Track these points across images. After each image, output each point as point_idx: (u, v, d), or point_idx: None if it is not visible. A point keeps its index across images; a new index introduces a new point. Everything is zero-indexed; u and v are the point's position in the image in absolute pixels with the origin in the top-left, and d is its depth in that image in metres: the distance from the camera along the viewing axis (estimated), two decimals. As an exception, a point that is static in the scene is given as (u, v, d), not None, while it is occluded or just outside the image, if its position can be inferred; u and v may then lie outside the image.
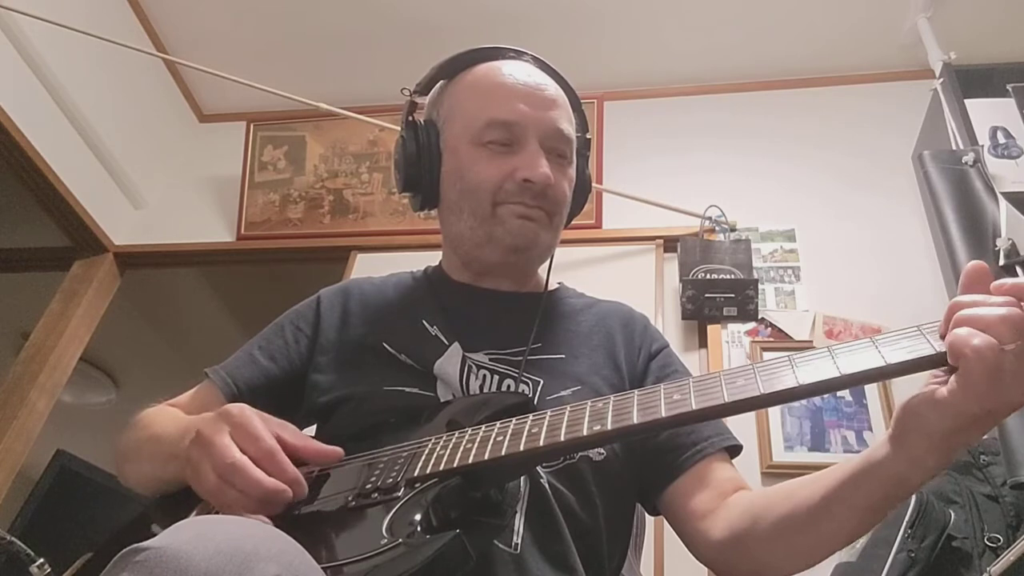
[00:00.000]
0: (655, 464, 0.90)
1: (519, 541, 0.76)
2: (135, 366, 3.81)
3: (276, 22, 2.76)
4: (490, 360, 0.92)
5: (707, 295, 2.14)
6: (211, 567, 0.48)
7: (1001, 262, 1.77)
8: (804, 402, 1.96)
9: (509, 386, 0.90)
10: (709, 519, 0.83)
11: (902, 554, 1.39)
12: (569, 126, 1.01)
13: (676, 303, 2.20)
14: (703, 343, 2.15)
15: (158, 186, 2.90)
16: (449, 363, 0.90)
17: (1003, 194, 1.87)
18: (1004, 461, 1.50)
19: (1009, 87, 2.15)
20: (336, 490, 0.74)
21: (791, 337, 2.10)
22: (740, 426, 0.95)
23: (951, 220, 1.90)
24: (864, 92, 2.61)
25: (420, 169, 1.00)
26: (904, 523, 1.41)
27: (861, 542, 1.43)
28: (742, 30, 2.62)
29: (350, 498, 0.72)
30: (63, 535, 2.54)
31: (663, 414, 0.64)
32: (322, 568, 0.58)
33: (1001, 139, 2.05)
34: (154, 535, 0.51)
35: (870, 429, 1.91)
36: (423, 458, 0.73)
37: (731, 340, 2.12)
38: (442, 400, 0.89)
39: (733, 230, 2.32)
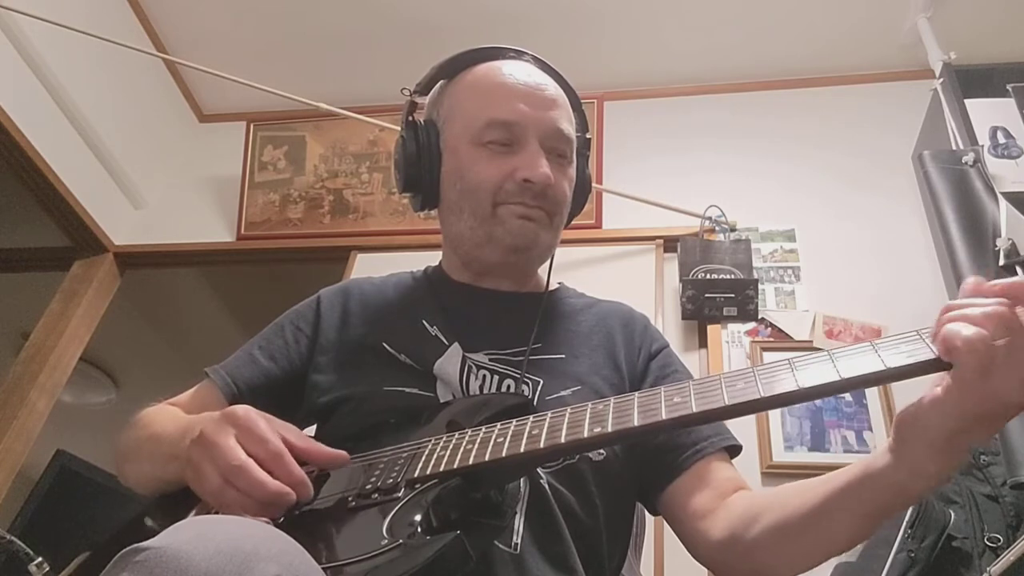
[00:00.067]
0: (655, 463, 0.90)
1: (519, 541, 0.76)
2: (135, 366, 3.81)
3: (276, 22, 2.76)
4: (490, 360, 0.92)
5: (707, 295, 2.14)
6: (211, 567, 0.48)
7: (1001, 262, 1.77)
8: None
9: (509, 386, 0.90)
10: (708, 519, 0.83)
11: (902, 554, 1.39)
12: (569, 126, 1.01)
13: (676, 303, 2.20)
14: (703, 343, 2.15)
15: (158, 186, 2.90)
16: (449, 363, 0.90)
17: (1003, 194, 1.87)
18: (1004, 461, 1.50)
19: (1009, 87, 2.15)
20: (336, 490, 0.74)
21: (791, 337, 2.10)
22: (740, 426, 0.95)
23: (951, 220, 1.90)
24: (864, 92, 2.61)
25: (420, 169, 1.00)
26: (904, 523, 1.41)
27: (861, 542, 1.43)
28: (742, 30, 2.62)
29: (350, 498, 0.72)
30: (63, 535, 2.54)
31: (663, 416, 0.64)
32: (322, 568, 0.58)
33: (1001, 139, 2.05)
34: (153, 535, 0.51)
35: (870, 429, 1.91)
36: (423, 459, 0.73)
37: (731, 340, 2.12)
38: (442, 400, 0.89)
39: (733, 230, 2.32)
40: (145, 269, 2.87)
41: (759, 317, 2.14)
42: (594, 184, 1.32)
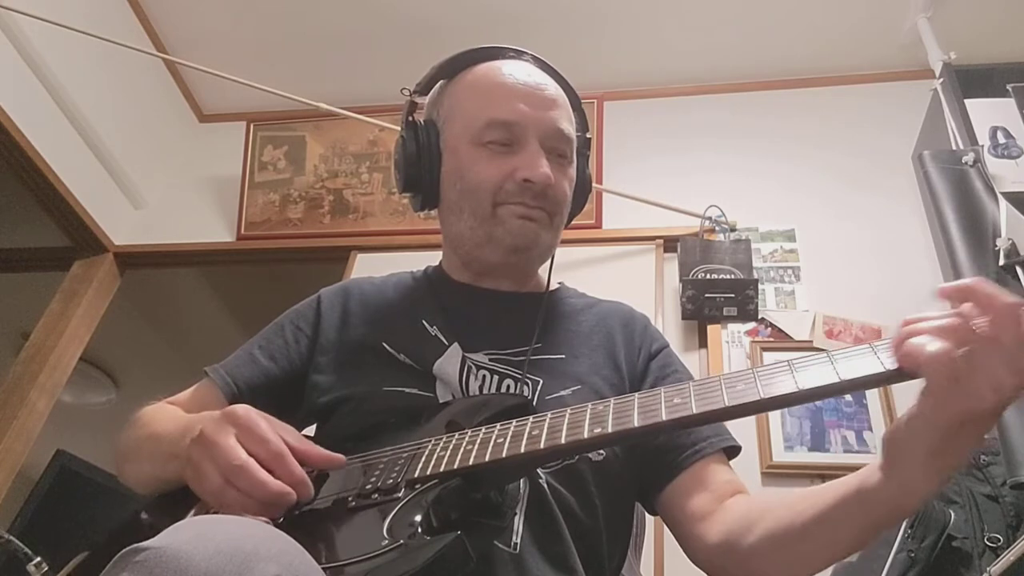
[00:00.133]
0: (654, 463, 0.90)
1: (518, 541, 0.76)
2: (135, 366, 3.81)
3: (276, 22, 2.76)
4: (490, 360, 0.92)
5: (707, 295, 2.14)
6: (211, 567, 0.48)
7: (1001, 262, 1.76)
8: (804, 402, 1.96)
9: (509, 386, 0.90)
10: (705, 522, 0.83)
11: (902, 554, 1.39)
12: (569, 126, 1.01)
13: (676, 303, 2.20)
14: (703, 343, 2.15)
15: (158, 186, 2.90)
16: (449, 363, 0.90)
17: (1003, 194, 1.87)
18: (1004, 461, 1.50)
19: (1009, 87, 2.15)
20: (336, 490, 0.74)
21: (791, 337, 2.10)
22: (740, 426, 0.95)
23: (951, 220, 1.90)
24: (864, 92, 2.61)
25: (420, 169, 1.00)
26: (904, 523, 1.41)
27: (861, 542, 1.43)
28: (742, 30, 2.62)
29: (350, 499, 0.72)
30: (63, 535, 2.53)
31: (663, 417, 0.64)
32: (322, 568, 0.58)
33: (1001, 139, 2.05)
34: (152, 535, 0.51)
35: (870, 429, 1.91)
36: (423, 459, 0.73)
37: (731, 340, 2.12)
38: (441, 400, 0.88)
39: (733, 230, 2.32)
40: (145, 269, 2.87)
41: (759, 317, 2.14)
42: (594, 184, 1.32)
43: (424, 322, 0.97)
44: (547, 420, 0.70)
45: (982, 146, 2.00)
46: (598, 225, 2.44)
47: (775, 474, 1.87)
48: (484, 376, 0.90)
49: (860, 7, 2.51)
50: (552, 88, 1.01)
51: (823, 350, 0.63)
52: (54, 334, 2.51)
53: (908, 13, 2.47)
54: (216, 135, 3.03)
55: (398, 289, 1.07)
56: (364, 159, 2.74)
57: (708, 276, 2.19)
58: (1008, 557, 1.28)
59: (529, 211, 0.95)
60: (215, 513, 0.72)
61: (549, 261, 1.04)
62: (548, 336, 0.97)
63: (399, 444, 0.78)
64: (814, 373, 0.61)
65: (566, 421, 0.69)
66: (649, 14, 2.61)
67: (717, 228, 2.33)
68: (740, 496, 0.86)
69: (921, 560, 1.37)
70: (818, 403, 1.95)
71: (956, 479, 1.51)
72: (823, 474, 1.85)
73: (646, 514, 1.00)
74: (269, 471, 0.70)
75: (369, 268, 2.39)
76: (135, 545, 0.50)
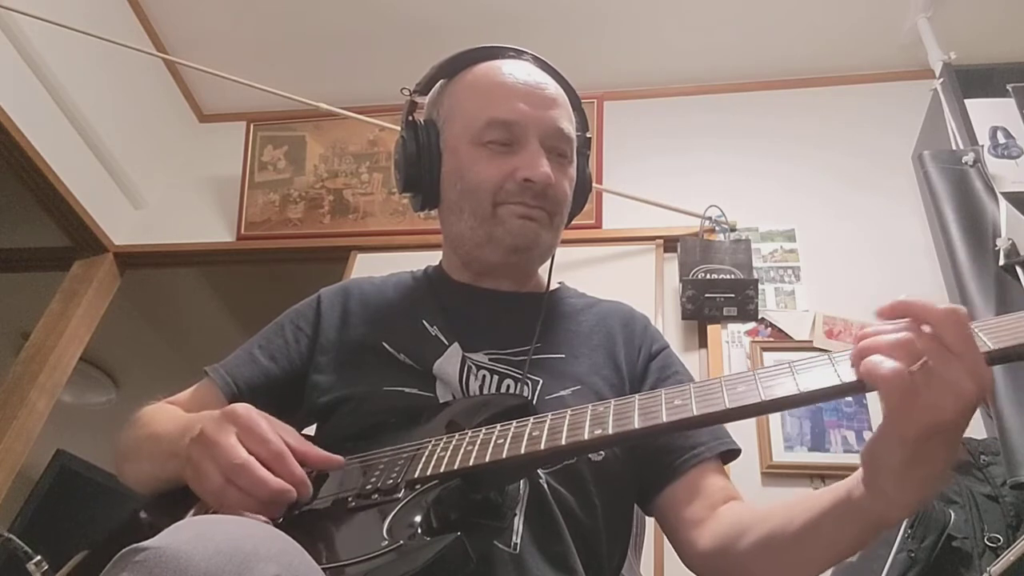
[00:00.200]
0: (652, 465, 0.90)
1: (518, 541, 0.76)
2: (135, 366, 3.81)
3: (276, 22, 2.76)
4: (490, 360, 0.92)
5: (707, 295, 2.14)
6: (211, 567, 0.48)
7: (1001, 262, 1.77)
8: (804, 402, 1.96)
9: (509, 386, 0.90)
10: (698, 529, 0.84)
11: (902, 554, 1.39)
12: (569, 125, 1.01)
13: (676, 303, 2.20)
14: (703, 343, 2.15)
15: (158, 186, 2.90)
16: (449, 363, 0.90)
17: (1003, 194, 1.87)
18: (1004, 461, 1.50)
19: (1009, 87, 2.15)
20: (336, 491, 0.74)
21: (791, 337, 2.10)
22: (740, 426, 0.94)
23: (951, 220, 1.90)
24: (864, 92, 2.61)
25: (420, 169, 1.00)
26: (904, 523, 1.41)
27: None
28: (742, 30, 2.62)
29: (350, 499, 0.72)
30: (63, 535, 2.53)
31: (664, 419, 0.64)
32: (322, 569, 0.58)
33: (1001, 139, 2.05)
34: (152, 534, 0.51)
35: (870, 429, 1.91)
36: (423, 460, 0.73)
37: (731, 340, 2.12)
38: (441, 400, 0.88)
39: (733, 230, 2.32)
40: (145, 269, 2.86)
41: (759, 317, 2.14)
42: (594, 184, 1.32)
43: (424, 322, 0.97)
44: (547, 421, 0.70)
45: (982, 146, 2.00)
46: (598, 225, 2.44)
47: (775, 474, 1.87)
48: (484, 376, 0.90)
49: (860, 7, 2.51)
50: (552, 87, 1.00)
51: (824, 350, 0.63)
52: (54, 334, 2.51)
53: (908, 13, 2.47)
54: (216, 135, 3.03)
55: (398, 289, 1.07)
56: (364, 159, 2.74)
57: (708, 276, 2.19)
58: (1008, 557, 1.28)
59: (529, 211, 0.95)
60: (215, 513, 0.72)
61: (549, 261, 1.04)
62: (548, 336, 0.97)
63: (399, 444, 0.78)
64: (815, 375, 0.61)
65: (566, 422, 0.69)
66: (649, 14, 2.61)
67: (717, 228, 2.33)
68: (734, 503, 0.86)
69: (921, 560, 1.37)
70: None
71: (956, 479, 1.51)
72: (823, 474, 1.85)
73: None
74: (269, 470, 0.70)
75: (369, 268, 2.39)
76: (135, 545, 0.50)
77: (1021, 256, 1.74)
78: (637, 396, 0.68)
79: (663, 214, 2.38)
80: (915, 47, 2.45)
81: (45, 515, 2.56)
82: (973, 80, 2.17)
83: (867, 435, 1.90)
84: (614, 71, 2.74)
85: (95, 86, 2.60)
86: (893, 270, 2.18)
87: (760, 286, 2.18)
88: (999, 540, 1.39)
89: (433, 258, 1.12)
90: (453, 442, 0.74)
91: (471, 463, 0.69)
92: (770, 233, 2.33)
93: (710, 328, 2.14)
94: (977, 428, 1.71)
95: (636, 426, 0.65)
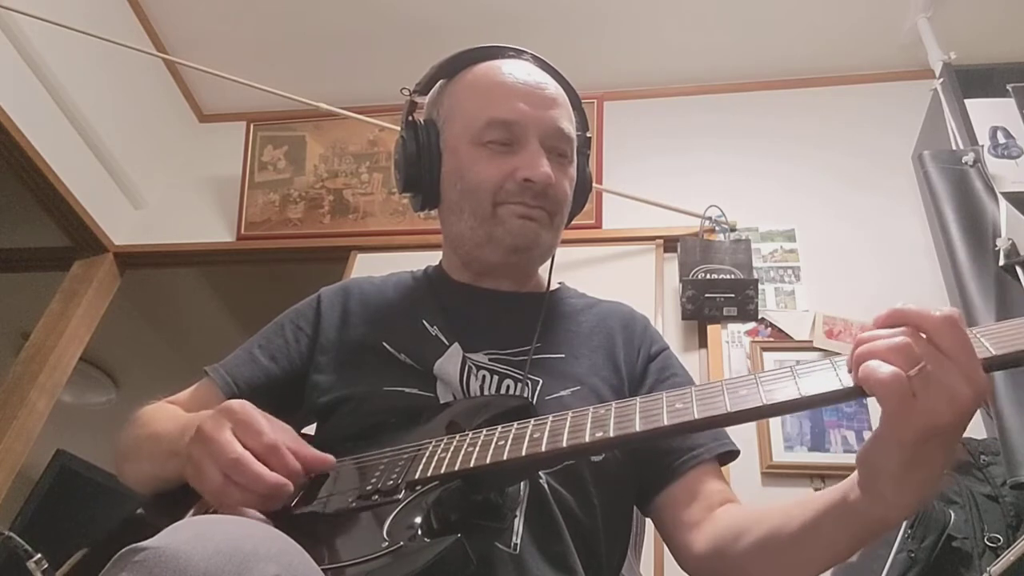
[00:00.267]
0: (651, 466, 0.90)
1: (518, 541, 0.76)
2: (135, 366, 3.81)
3: (276, 22, 2.76)
4: (490, 360, 0.92)
5: (707, 295, 2.14)
6: (210, 567, 0.48)
7: (1001, 262, 1.77)
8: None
9: (508, 387, 0.89)
10: (695, 531, 0.84)
11: (902, 554, 1.39)
12: (569, 125, 1.00)
13: (676, 303, 2.20)
14: (703, 343, 2.15)
15: (158, 186, 2.90)
16: (449, 363, 0.90)
17: (1003, 194, 1.87)
18: (1004, 461, 1.50)
19: (1009, 87, 2.15)
20: (336, 491, 0.74)
21: (791, 337, 2.10)
22: (740, 426, 0.95)
23: (951, 220, 1.90)
24: (864, 92, 2.61)
25: (420, 169, 1.00)
26: (904, 523, 1.41)
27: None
28: (742, 30, 2.62)
29: (351, 500, 0.72)
30: (63, 535, 2.53)
31: (665, 422, 0.64)
32: (322, 570, 0.58)
33: (1001, 139, 2.05)
34: (151, 534, 0.51)
35: (869, 429, 1.91)
36: (424, 461, 0.73)
37: (731, 340, 2.12)
38: (442, 400, 0.88)
39: (733, 230, 2.32)
40: (145, 269, 2.87)
41: (759, 317, 2.14)
42: (594, 184, 1.32)
43: (424, 322, 0.96)
44: (548, 423, 0.70)
45: (982, 146, 2.00)
46: (598, 225, 2.44)
47: (775, 474, 1.87)
48: (484, 376, 0.90)
49: (860, 7, 2.51)
50: (552, 87, 1.00)
51: (824, 350, 0.63)
52: (54, 334, 2.51)
53: (908, 13, 2.47)
54: (216, 135, 3.03)
55: (398, 289, 1.07)
56: (364, 159, 2.74)
57: (708, 276, 2.19)
58: (1008, 557, 1.28)
59: (529, 211, 0.95)
60: (215, 511, 0.72)
61: (549, 261, 1.04)
62: (548, 336, 0.97)
63: (399, 444, 0.78)
64: (817, 379, 0.60)
65: (568, 424, 0.69)
66: (649, 14, 2.61)
67: (717, 228, 2.33)
68: (730, 505, 0.86)
69: (921, 560, 1.37)
70: (818, 404, 1.95)
71: (956, 479, 1.51)
72: (823, 474, 1.85)
73: (645, 514, 1.00)
74: (265, 464, 0.70)
75: (369, 268, 2.39)
76: (134, 545, 0.50)
77: (1021, 256, 1.74)
78: (638, 399, 0.68)
79: (663, 214, 2.38)
80: (915, 47, 2.45)
81: (45, 515, 2.56)
82: (973, 80, 2.17)
83: (867, 435, 1.89)
84: (614, 71, 2.74)
85: (95, 86, 2.60)
86: (893, 270, 2.18)
87: (760, 286, 2.18)
88: (999, 540, 1.39)
89: (433, 258, 1.12)
90: (454, 443, 0.73)
91: (472, 464, 0.69)
92: (770, 233, 2.33)
93: (710, 328, 2.14)
94: (977, 428, 1.71)
95: (637, 429, 0.65)
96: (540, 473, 0.81)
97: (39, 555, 0.90)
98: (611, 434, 0.65)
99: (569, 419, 0.69)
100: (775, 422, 1.94)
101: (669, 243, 2.34)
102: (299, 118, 2.79)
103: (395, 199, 2.61)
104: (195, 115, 3.08)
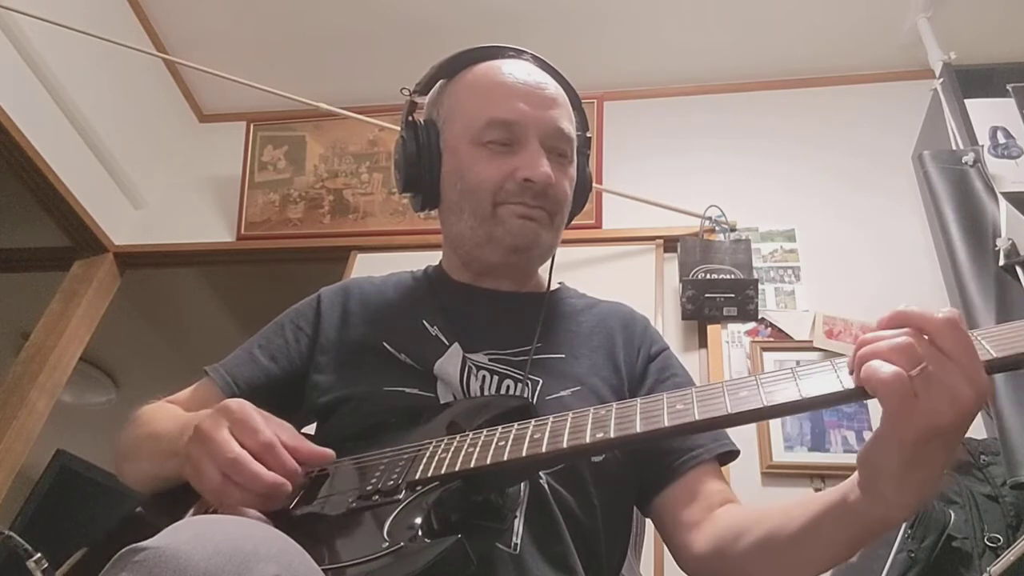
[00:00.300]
0: (651, 466, 0.90)
1: (518, 542, 0.76)
2: (135, 366, 3.81)
3: (276, 22, 2.76)
4: (490, 360, 0.92)
5: (707, 295, 2.14)
6: (210, 567, 0.48)
7: (1001, 262, 1.77)
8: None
9: (509, 387, 0.89)
10: (695, 532, 0.84)
11: (902, 554, 1.39)
12: (569, 125, 1.00)
13: (676, 303, 2.20)
14: (703, 343, 2.15)
15: (158, 186, 2.90)
16: (449, 363, 0.90)
17: (1003, 194, 1.87)
18: (1004, 461, 1.50)
19: (1009, 87, 2.15)
20: (337, 492, 0.74)
21: (791, 337, 2.09)
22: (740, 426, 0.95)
23: (951, 220, 1.90)
24: (864, 92, 2.61)
25: (420, 169, 1.00)
26: (904, 523, 1.41)
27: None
28: (742, 30, 2.62)
29: (351, 500, 0.72)
30: (63, 534, 2.53)
31: (666, 423, 0.64)
32: (322, 570, 0.58)
33: (1001, 139, 2.05)
34: (151, 533, 0.51)
35: (870, 429, 1.91)
36: (424, 461, 0.73)
37: (731, 340, 2.12)
38: (442, 400, 0.88)
39: (733, 230, 2.32)
40: (145, 269, 2.87)
41: (759, 317, 2.14)
42: (594, 184, 1.32)
43: (424, 322, 0.96)
44: (549, 423, 0.70)
45: (982, 146, 2.00)
46: (598, 225, 2.44)
47: (775, 474, 1.87)
48: (484, 376, 0.90)
49: (860, 7, 2.51)
50: (552, 87, 1.00)
51: (824, 350, 0.63)
52: (54, 334, 2.51)
53: (908, 13, 2.47)
54: (216, 135, 3.03)
55: (398, 289, 1.07)
56: (364, 159, 2.74)
57: (708, 276, 2.19)
58: (1008, 557, 1.28)
59: (529, 211, 0.95)
60: (214, 511, 0.72)
61: (549, 261, 1.04)
62: (548, 336, 0.97)
63: (399, 444, 0.78)
64: (818, 381, 0.60)
65: (568, 425, 0.69)
66: (649, 14, 2.61)
67: (717, 228, 2.33)
68: (730, 505, 0.86)
69: (921, 560, 1.37)
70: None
71: (956, 479, 1.51)
72: (823, 474, 1.85)
73: (645, 514, 1.00)
74: (262, 463, 0.70)
75: (369, 268, 2.39)
76: (134, 545, 0.50)
77: (1021, 256, 1.74)
78: (639, 399, 0.68)
79: (663, 214, 2.38)
80: (915, 47, 2.45)
81: (45, 515, 2.56)
82: (973, 80, 2.17)
83: (867, 435, 1.89)
84: (614, 71, 2.74)
85: (95, 86, 2.60)
86: (893, 270, 2.18)
87: (760, 286, 2.18)
88: (999, 540, 1.39)
89: (433, 258, 1.12)
90: (454, 443, 0.73)
91: (472, 465, 0.69)
92: (770, 233, 2.33)
93: (710, 328, 2.14)
94: (977, 428, 1.71)
95: (638, 430, 0.65)
96: (540, 473, 0.81)
97: (39, 555, 0.90)
98: (612, 435, 0.65)
99: (570, 420, 0.69)
100: (775, 422, 1.94)
101: (669, 243, 2.34)
102: (299, 118, 2.79)
103: (395, 199, 2.61)
104: (195, 115, 3.08)
